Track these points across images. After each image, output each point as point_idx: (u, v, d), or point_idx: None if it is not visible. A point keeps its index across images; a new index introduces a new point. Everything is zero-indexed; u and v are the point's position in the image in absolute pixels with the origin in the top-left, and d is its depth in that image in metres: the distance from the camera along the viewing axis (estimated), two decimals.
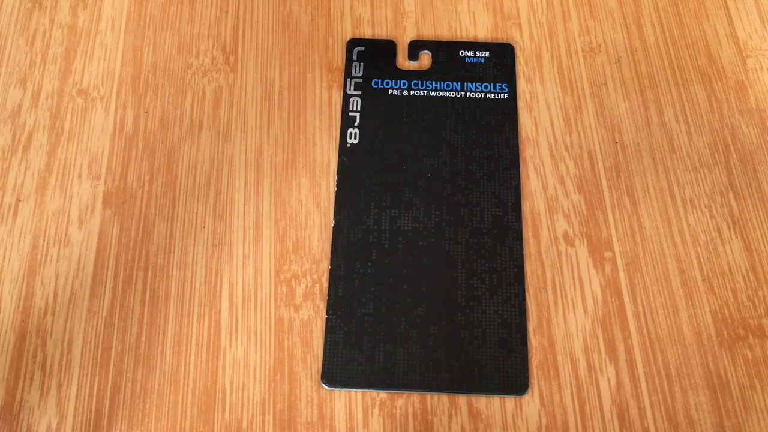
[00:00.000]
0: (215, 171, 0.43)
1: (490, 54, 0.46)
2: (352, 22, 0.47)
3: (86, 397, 0.37)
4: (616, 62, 0.46)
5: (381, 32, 0.47)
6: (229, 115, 0.44)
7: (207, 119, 0.44)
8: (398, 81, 0.45)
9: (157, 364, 0.38)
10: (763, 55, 0.46)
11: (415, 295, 0.39)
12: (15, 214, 0.42)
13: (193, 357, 0.38)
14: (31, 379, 0.38)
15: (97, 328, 0.39)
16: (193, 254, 0.41)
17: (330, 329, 0.39)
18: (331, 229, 0.41)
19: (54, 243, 0.41)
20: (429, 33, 0.47)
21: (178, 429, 0.37)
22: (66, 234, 0.41)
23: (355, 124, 0.44)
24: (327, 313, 0.39)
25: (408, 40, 0.46)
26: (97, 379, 0.38)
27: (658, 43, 0.47)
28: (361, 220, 0.41)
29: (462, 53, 0.46)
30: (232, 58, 0.46)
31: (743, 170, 0.43)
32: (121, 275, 0.40)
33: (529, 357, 0.38)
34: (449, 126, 0.44)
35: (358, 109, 0.44)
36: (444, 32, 0.47)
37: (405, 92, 0.45)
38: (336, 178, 0.42)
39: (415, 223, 0.41)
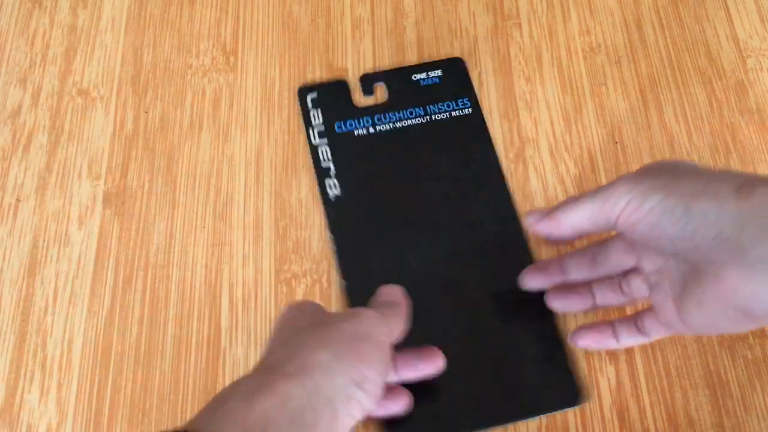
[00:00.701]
0: (215, 171, 0.43)
1: (442, 72, 0.45)
2: (352, 22, 0.47)
3: (86, 397, 0.37)
4: (616, 62, 0.46)
5: (381, 32, 0.47)
6: (229, 115, 0.44)
7: (207, 119, 0.44)
8: (360, 120, 0.43)
9: (157, 364, 0.38)
10: (763, 55, 0.46)
11: (442, 332, 0.37)
12: (15, 214, 0.42)
13: (193, 357, 0.38)
14: (31, 379, 0.38)
15: (97, 328, 0.39)
16: (193, 254, 0.41)
17: None
18: (344, 289, 0.39)
19: (54, 243, 0.41)
20: (429, 34, 0.47)
21: None
22: (66, 234, 0.41)
23: (331, 174, 0.42)
24: None
25: (407, 41, 0.46)
26: (97, 379, 0.38)
27: (658, 43, 0.47)
28: (370, 272, 0.39)
29: (415, 77, 0.45)
30: (232, 58, 0.46)
31: (743, 170, 0.43)
32: (121, 275, 0.40)
33: (574, 364, 0.37)
34: (424, 153, 0.42)
35: (330, 157, 0.42)
36: (444, 32, 0.47)
37: (371, 129, 0.43)
38: (330, 235, 0.40)
39: (421, 259, 0.39)
